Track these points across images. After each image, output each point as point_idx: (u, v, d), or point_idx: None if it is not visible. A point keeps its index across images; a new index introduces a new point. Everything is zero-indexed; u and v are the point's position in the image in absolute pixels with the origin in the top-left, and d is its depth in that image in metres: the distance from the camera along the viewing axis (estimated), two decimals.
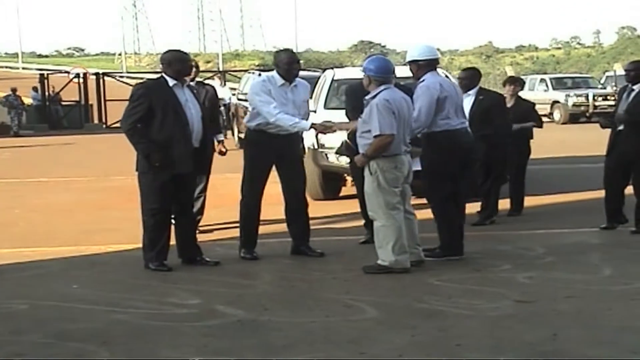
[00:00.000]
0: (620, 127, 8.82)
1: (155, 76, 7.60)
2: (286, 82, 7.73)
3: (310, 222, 8.07)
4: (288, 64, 7.72)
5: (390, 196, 7.10)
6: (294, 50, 8.33)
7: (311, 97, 10.07)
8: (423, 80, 7.63)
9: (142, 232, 7.45)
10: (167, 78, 7.38)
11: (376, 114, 7.02)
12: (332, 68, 15.09)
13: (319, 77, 13.58)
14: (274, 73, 7.83)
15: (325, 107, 11.60)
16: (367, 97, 7.25)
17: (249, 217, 7.86)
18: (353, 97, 8.08)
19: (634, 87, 8.79)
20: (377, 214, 7.17)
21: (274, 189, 8.02)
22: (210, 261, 7.61)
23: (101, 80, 34.95)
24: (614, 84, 32.39)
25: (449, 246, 7.64)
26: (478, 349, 5.09)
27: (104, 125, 32.81)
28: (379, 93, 7.11)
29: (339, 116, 10.32)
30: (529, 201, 10.45)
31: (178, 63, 7.42)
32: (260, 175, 7.80)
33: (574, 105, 31.41)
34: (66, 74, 39.32)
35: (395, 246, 7.05)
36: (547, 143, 20.52)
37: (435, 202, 7.76)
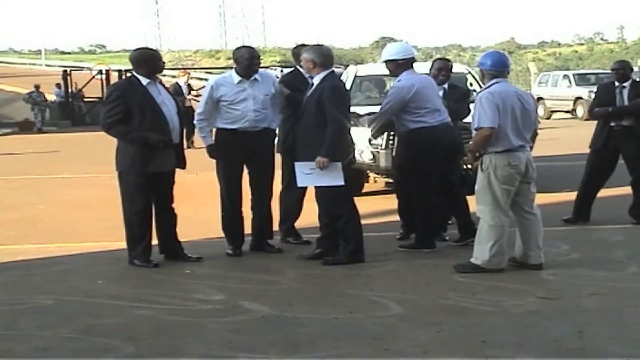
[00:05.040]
0: (625, 123, 9.04)
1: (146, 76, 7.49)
2: (243, 78, 7.74)
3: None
4: (249, 60, 7.75)
5: (499, 195, 6.92)
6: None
7: None
8: (399, 80, 7.82)
9: (124, 230, 7.49)
10: (140, 77, 7.37)
11: (478, 107, 6.94)
12: (354, 64, 15.11)
13: (341, 74, 13.59)
14: (232, 71, 7.87)
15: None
16: (477, 91, 7.28)
17: (230, 217, 7.89)
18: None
19: (624, 84, 9.06)
20: (483, 212, 7.02)
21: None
22: (192, 257, 7.64)
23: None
24: (638, 79, 32.14)
25: (423, 240, 7.86)
26: (503, 346, 5.08)
27: None
28: (487, 87, 7.03)
29: (362, 112, 10.32)
30: (552, 198, 10.39)
31: (152, 61, 7.42)
32: (235, 175, 7.81)
33: None
34: (89, 71, 39.56)
35: (494, 247, 6.90)
36: (571, 139, 20.44)
37: (414, 197, 7.95)
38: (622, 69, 9.16)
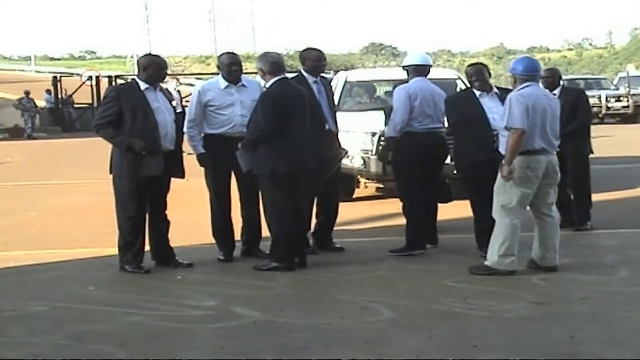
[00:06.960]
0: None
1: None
2: (230, 84, 7.78)
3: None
4: (228, 66, 7.79)
5: (514, 195, 6.94)
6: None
7: None
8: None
9: (117, 235, 7.46)
10: (140, 82, 7.41)
11: (507, 108, 6.95)
12: (344, 70, 15.13)
13: (331, 79, 13.60)
14: (219, 77, 7.90)
15: (339, 109, 11.59)
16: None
17: (220, 223, 7.90)
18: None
19: (554, 91, 9.07)
20: (496, 210, 7.07)
21: None
22: (184, 263, 7.63)
23: (114, 83, 35.07)
24: (626, 84, 32.29)
25: (414, 243, 7.92)
26: (495, 351, 5.09)
27: None
28: (519, 89, 7.05)
29: (353, 118, 10.35)
30: None
31: (152, 68, 7.43)
32: (223, 181, 7.82)
33: None
34: (79, 77, 39.52)
35: (502, 247, 6.94)
36: None
37: (404, 200, 8.08)
38: (551, 77, 9.29)
